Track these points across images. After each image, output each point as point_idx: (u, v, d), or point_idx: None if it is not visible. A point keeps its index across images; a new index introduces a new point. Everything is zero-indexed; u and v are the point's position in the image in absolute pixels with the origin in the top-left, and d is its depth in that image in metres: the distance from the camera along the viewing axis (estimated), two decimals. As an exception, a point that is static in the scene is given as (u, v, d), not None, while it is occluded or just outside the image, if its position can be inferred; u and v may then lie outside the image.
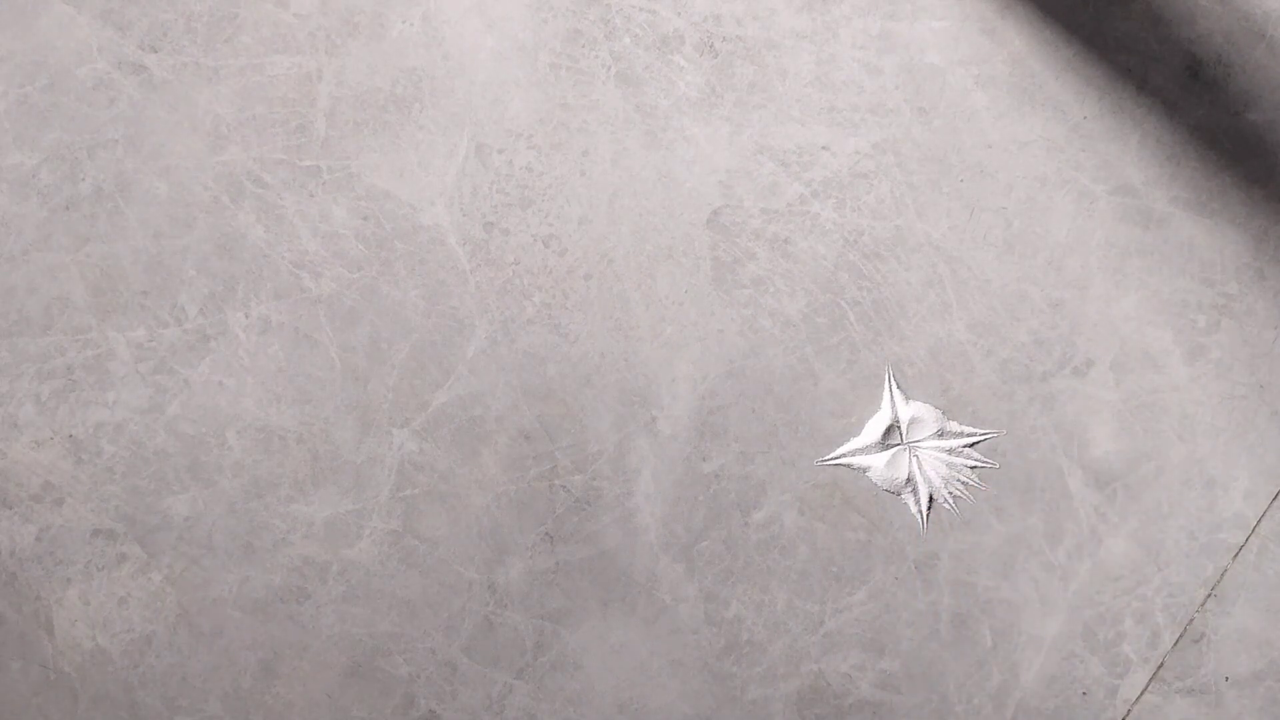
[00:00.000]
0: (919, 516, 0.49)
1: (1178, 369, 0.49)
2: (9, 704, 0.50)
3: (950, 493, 0.49)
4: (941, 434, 0.49)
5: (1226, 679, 0.49)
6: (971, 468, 0.49)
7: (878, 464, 0.49)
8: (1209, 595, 0.49)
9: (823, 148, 0.49)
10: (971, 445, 0.49)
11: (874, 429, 0.49)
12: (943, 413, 0.49)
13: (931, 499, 0.49)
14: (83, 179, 0.50)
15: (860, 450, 0.49)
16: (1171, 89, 0.48)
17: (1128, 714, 0.49)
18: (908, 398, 0.49)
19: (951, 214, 0.49)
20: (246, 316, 0.50)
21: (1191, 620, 0.49)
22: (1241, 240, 0.49)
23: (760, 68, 0.49)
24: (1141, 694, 0.49)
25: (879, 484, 0.49)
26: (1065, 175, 0.49)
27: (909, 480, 0.49)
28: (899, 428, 0.49)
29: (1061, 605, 0.49)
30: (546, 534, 0.50)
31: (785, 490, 0.49)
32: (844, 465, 0.49)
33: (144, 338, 0.50)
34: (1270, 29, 0.48)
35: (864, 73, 0.49)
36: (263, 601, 0.50)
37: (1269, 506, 0.49)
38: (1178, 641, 0.49)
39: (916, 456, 0.49)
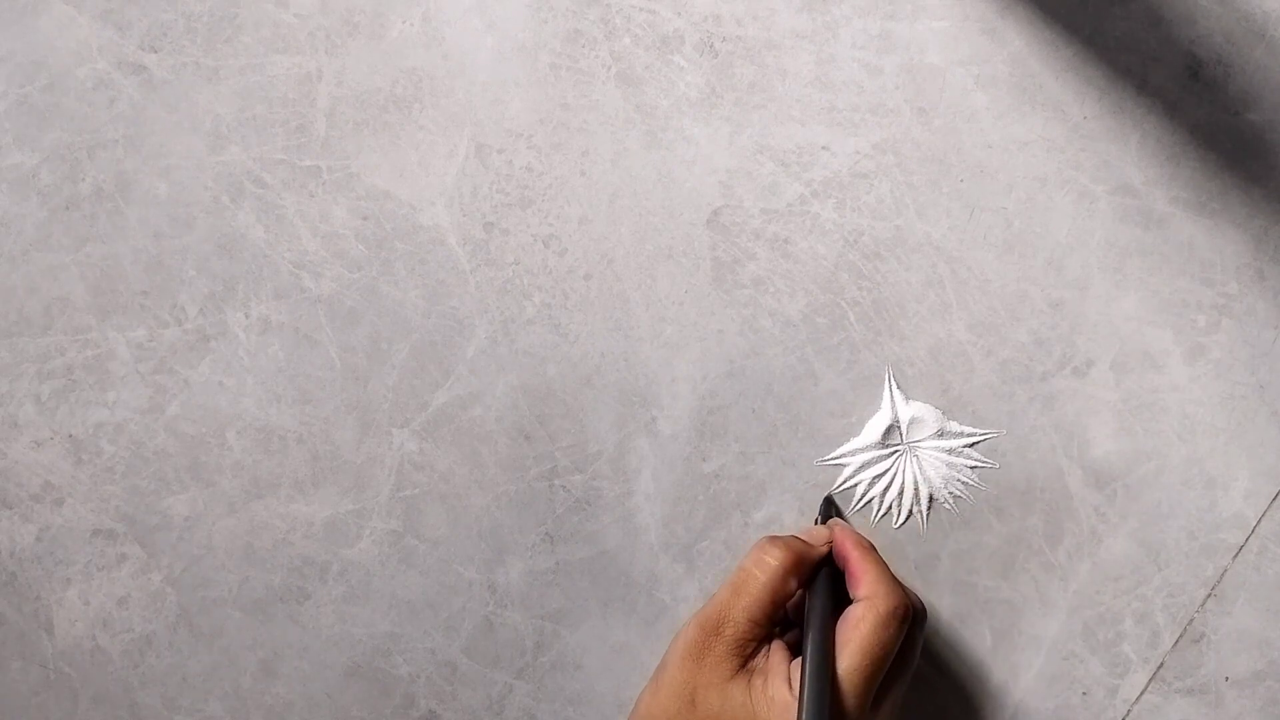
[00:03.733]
0: (919, 517, 0.49)
1: (1178, 369, 0.49)
2: (9, 704, 0.50)
3: (950, 493, 0.49)
4: (941, 434, 0.49)
5: (1226, 679, 0.49)
6: (971, 468, 0.49)
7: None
8: (1209, 595, 0.49)
9: (823, 148, 0.49)
10: (971, 445, 0.49)
11: (874, 429, 0.49)
12: (943, 413, 0.49)
13: (931, 499, 0.49)
14: (83, 179, 0.50)
15: (860, 450, 0.49)
16: (1171, 89, 0.48)
17: (1128, 714, 0.49)
18: (908, 398, 0.49)
19: (951, 214, 0.49)
20: (246, 316, 0.50)
21: (1191, 620, 0.49)
22: (1241, 240, 0.49)
23: (760, 68, 0.49)
24: (1141, 694, 0.49)
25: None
26: (1065, 175, 0.49)
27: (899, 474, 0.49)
28: (899, 428, 0.49)
29: (1061, 605, 0.49)
30: (546, 534, 0.50)
31: (785, 490, 0.49)
32: (844, 465, 0.49)
33: (144, 338, 0.50)
34: (1270, 29, 0.48)
35: (864, 73, 0.49)
36: (263, 601, 0.50)
37: (1269, 506, 0.49)
38: (1178, 641, 0.49)
39: (916, 456, 0.49)
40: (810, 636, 0.42)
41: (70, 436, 0.50)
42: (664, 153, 0.49)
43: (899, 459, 0.49)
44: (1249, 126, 0.48)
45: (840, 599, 0.45)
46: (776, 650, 0.44)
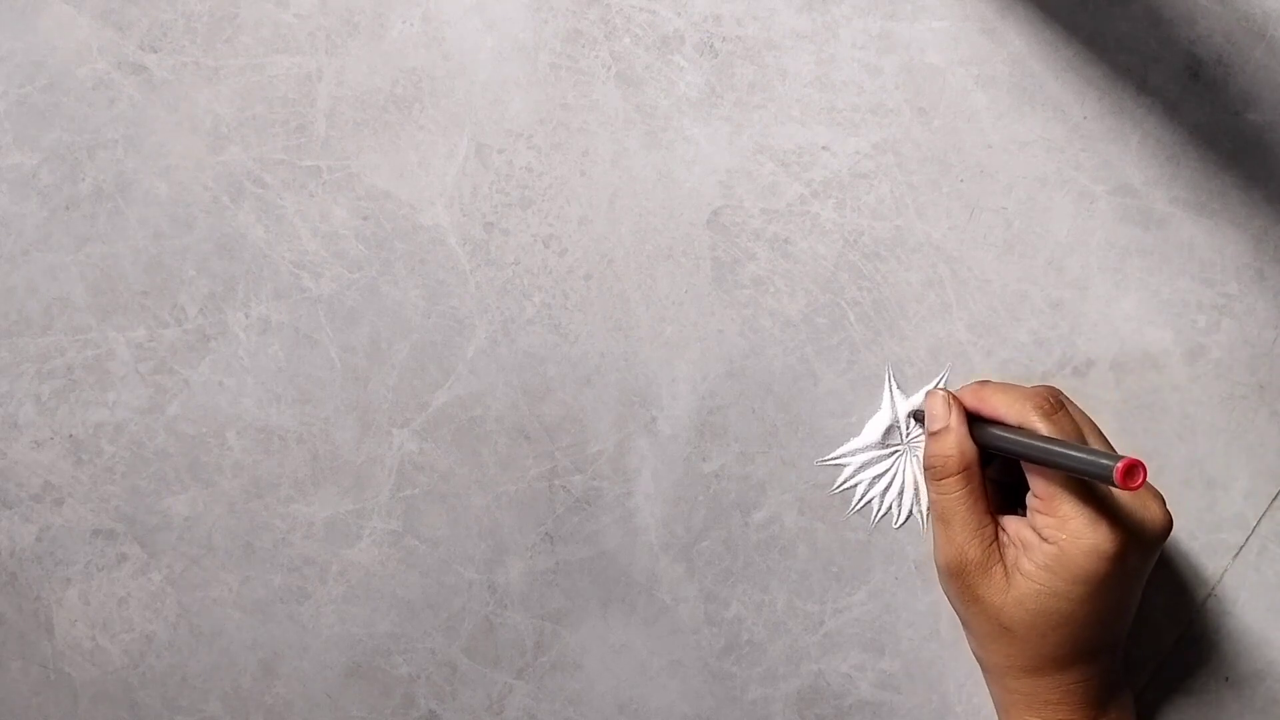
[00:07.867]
0: (919, 517, 0.49)
1: (1178, 369, 0.49)
2: (9, 704, 0.50)
3: (950, 493, 0.49)
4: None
5: (1226, 679, 0.49)
6: (971, 468, 0.49)
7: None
8: (1209, 595, 0.49)
9: (823, 148, 0.49)
10: (971, 445, 0.49)
11: (874, 429, 0.49)
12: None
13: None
14: (83, 179, 0.50)
15: (860, 450, 0.49)
16: (1171, 89, 0.48)
17: (1128, 714, 0.49)
18: (908, 398, 0.49)
19: (951, 214, 0.49)
20: (246, 316, 0.50)
21: (1191, 620, 0.49)
22: (1241, 240, 0.49)
23: (760, 68, 0.49)
24: (1141, 694, 0.49)
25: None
26: (1065, 175, 0.49)
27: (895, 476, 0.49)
28: (899, 428, 0.49)
29: (1061, 605, 0.49)
30: (546, 534, 0.50)
31: (785, 490, 0.49)
32: (844, 465, 0.49)
33: (144, 338, 0.50)
34: (1270, 29, 0.48)
35: (864, 73, 0.49)
36: (263, 601, 0.50)
37: (1269, 506, 0.49)
38: (1178, 641, 0.49)
39: (916, 457, 0.49)
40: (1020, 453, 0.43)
41: (70, 436, 0.50)
42: (664, 153, 0.49)
43: (899, 459, 0.49)
44: (1249, 126, 0.48)
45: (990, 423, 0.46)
46: (1007, 526, 0.45)
